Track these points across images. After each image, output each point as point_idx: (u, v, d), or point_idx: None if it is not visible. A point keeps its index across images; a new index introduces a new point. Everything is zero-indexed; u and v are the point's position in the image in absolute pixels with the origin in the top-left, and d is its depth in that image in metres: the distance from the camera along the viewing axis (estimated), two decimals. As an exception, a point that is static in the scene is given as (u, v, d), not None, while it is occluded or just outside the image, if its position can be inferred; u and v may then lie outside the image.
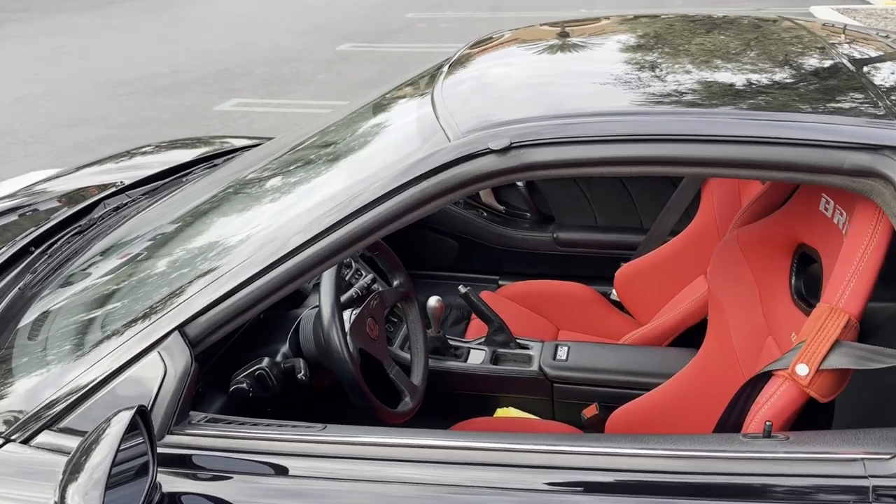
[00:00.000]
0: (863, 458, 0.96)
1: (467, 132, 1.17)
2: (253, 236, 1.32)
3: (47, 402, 1.19)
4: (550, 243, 2.58)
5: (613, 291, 2.44)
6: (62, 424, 1.17)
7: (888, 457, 0.95)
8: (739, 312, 1.56)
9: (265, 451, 1.10)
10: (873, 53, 1.55)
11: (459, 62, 1.61)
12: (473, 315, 2.28)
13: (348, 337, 1.45)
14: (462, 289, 2.00)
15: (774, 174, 1.09)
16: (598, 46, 1.69)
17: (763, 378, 1.13)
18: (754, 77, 1.29)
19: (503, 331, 1.98)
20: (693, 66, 1.40)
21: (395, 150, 1.27)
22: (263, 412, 1.46)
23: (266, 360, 1.43)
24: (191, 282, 1.23)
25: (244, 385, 1.39)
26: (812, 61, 1.39)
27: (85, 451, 0.99)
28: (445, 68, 1.57)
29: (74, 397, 1.18)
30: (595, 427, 1.80)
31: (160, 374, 1.15)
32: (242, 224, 1.45)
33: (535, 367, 1.91)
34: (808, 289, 1.44)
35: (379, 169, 1.22)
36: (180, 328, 1.17)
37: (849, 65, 1.33)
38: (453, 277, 2.60)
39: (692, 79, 1.33)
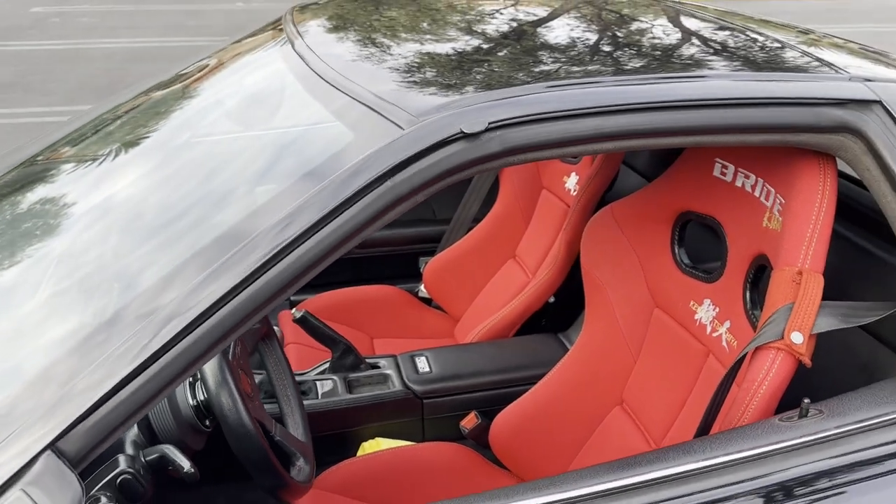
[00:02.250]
0: None
1: (423, 114, 0.93)
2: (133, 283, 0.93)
3: None
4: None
5: (421, 288, 2.31)
6: None
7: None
8: (622, 289, 1.53)
9: None
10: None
11: (311, 33, 1.31)
12: (287, 340, 1.97)
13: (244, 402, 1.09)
14: (296, 313, 1.70)
15: (762, 137, 1.04)
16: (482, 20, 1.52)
17: (740, 360, 1.09)
18: (719, 43, 1.25)
19: (351, 352, 1.72)
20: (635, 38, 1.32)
21: (309, 148, 0.97)
22: None
23: (122, 460, 1.02)
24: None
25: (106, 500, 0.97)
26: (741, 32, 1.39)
27: None
28: (299, 41, 1.26)
29: None
30: (478, 437, 1.66)
31: None
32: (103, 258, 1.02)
33: (399, 387, 1.69)
34: (694, 254, 1.46)
35: (301, 176, 0.92)
36: (53, 445, 0.75)
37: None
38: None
39: (647, 49, 1.24)
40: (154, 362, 0.80)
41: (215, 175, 1.12)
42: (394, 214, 0.90)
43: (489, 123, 0.91)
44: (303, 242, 0.84)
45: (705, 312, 1.39)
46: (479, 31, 1.38)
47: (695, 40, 1.35)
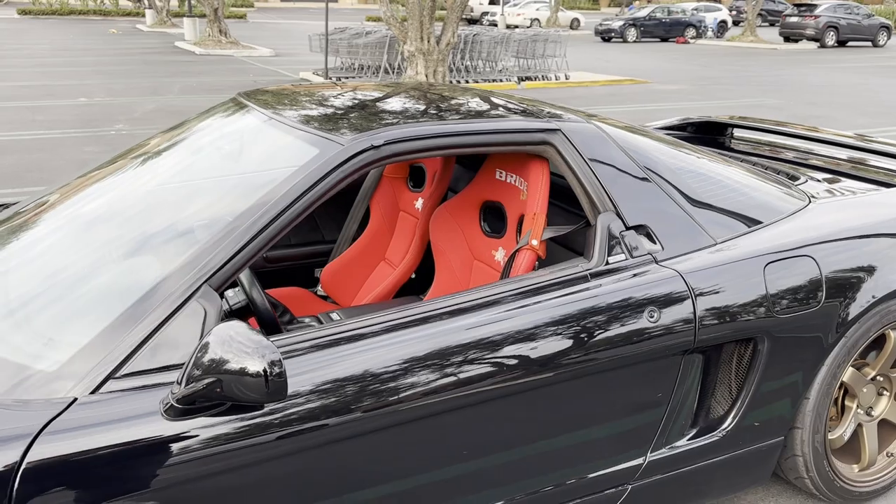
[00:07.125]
0: (554, 274, 2.08)
1: (353, 139, 1.95)
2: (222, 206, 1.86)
3: (105, 356, 1.56)
4: (259, 260, 3.26)
5: (318, 289, 3.26)
6: (124, 371, 1.57)
7: (587, 265, 2.09)
8: (455, 251, 2.61)
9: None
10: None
11: (262, 106, 2.33)
12: None
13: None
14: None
15: (509, 147, 2.16)
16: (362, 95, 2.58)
17: (512, 256, 2.18)
18: (463, 107, 2.39)
19: (287, 312, 2.65)
20: (435, 107, 2.42)
21: (295, 155, 1.96)
22: None
23: None
24: (203, 244, 1.75)
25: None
26: (459, 99, 2.53)
27: (205, 355, 1.48)
28: (264, 112, 2.26)
29: (129, 348, 1.58)
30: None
31: (201, 316, 1.65)
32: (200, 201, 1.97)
33: (322, 330, 2.63)
34: (491, 225, 2.56)
35: (286, 177, 1.90)
36: (206, 281, 1.68)
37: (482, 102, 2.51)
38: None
39: (447, 110, 2.35)
40: (240, 252, 1.74)
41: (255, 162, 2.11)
42: (338, 187, 1.90)
43: (385, 141, 1.95)
44: (307, 194, 1.83)
45: (499, 254, 2.48)
46: (361, 103, 2.45)
47: (498, 106, 2.49)
